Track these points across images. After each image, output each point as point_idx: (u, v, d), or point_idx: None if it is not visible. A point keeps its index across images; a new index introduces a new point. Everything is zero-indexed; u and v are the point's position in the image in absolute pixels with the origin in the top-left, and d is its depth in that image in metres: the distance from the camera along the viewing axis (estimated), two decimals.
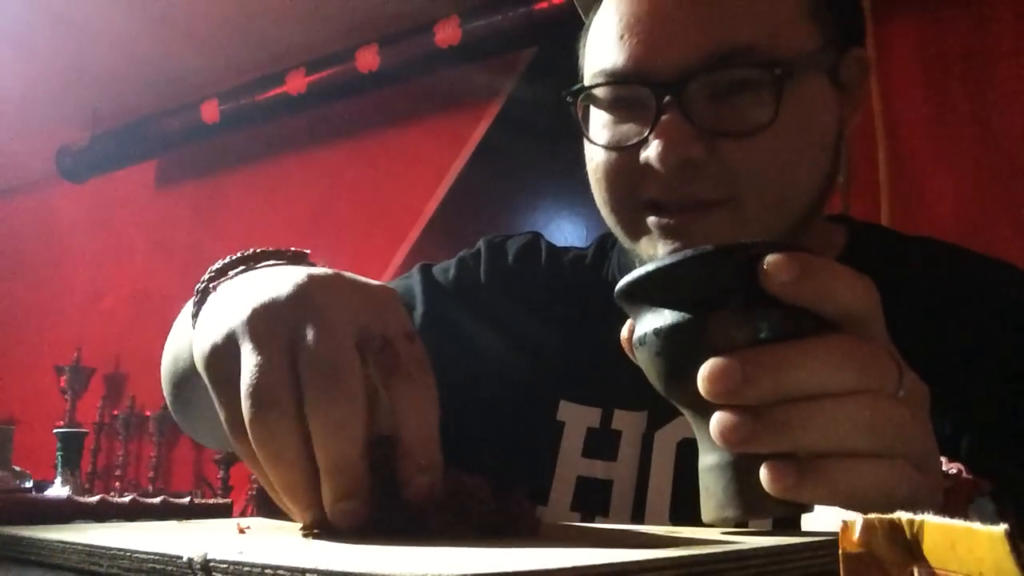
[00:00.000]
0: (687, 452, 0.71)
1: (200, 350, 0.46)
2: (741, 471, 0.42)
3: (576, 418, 0.76)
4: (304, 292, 0.45)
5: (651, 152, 0.65)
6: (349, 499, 0.41)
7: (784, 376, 0.39)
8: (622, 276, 0.81)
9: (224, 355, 0.44)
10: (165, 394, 0.69)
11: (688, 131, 0.64)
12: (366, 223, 2.94)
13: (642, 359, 0.44)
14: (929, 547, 0.25)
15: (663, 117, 0.65)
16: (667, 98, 0.65)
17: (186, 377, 0.62)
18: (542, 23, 2.37)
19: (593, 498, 0.73)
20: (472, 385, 0.79)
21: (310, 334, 0.42)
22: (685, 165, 0.65)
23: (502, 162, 2.87)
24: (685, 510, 0.69)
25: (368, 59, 2.67)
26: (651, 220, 0.68)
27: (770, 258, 0.40)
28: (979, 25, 1.94)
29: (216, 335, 0.45)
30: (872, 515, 0.27)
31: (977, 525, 0.24)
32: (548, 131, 2.59)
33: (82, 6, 2.65)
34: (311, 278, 0.46)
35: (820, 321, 0.41)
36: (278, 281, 0.46)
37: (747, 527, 0.47)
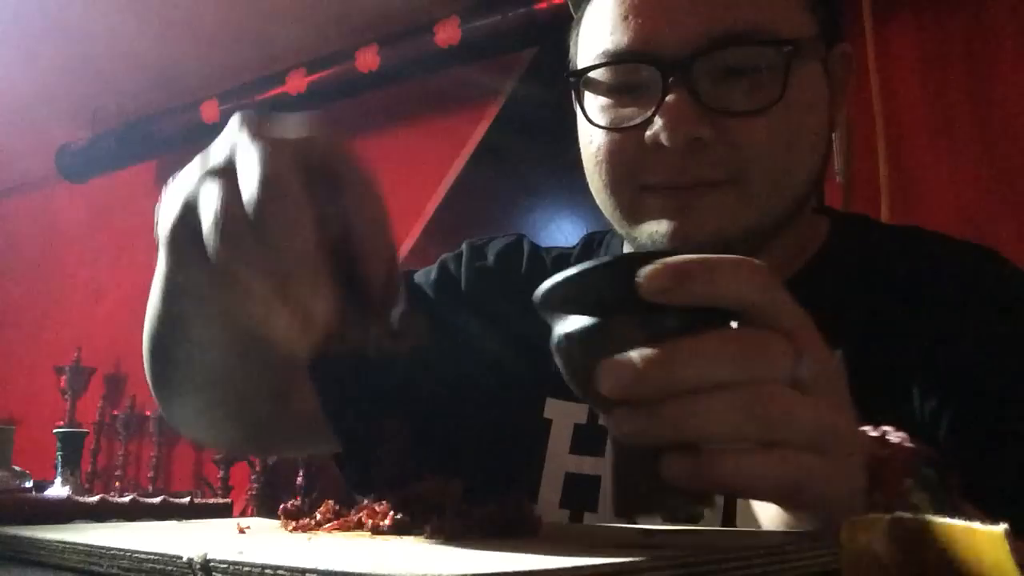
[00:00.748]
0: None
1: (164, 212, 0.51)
2: (644, 467, 0.43)
3: (563, 415, 0.77)
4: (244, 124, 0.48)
5: (657, 130, 0.65)
6: (316, 291, 0.43)
7: (674, 371, 0.40)
8: None
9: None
10: (148, 378, 0.67)
11: (696, 110, 0.65)
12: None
13: (558, 361, 0.45)
14: (929, 546, 0.25)
15: (669, 96, 0.65)
16: (672, 77, 0.65)
17: (161, 343, 0.62)
18: (542, 23, 2.37)
19: (582, 495, 0.74)
20: (455, 386, 0.79)
21: (251, 158, 0.45)
22: (692, 144, 0.65)
23: (502, 162, 2.87)
24: None
25: (368, 59, 2.67)
26: (654, 202, 0.68)
27: (642, 271, 0.41)
28: (979, 25, 1.94)
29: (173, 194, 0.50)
30: (872, 515, 0.27)
31: (977, 524, 0.24)
32: (548, 131, 2.59)
33: (82, 6, 2.65)
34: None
35: (724, 313, 0.42)
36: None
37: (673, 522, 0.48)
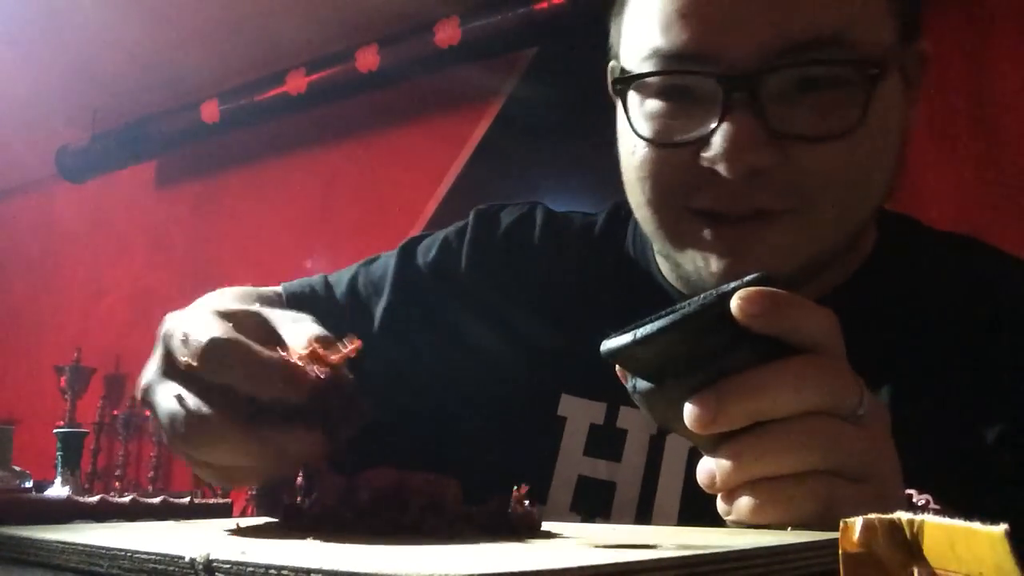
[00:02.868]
0: (700, 456, 0.68)
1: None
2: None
3: (579, 413, 0.71)
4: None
5: (716, 155, 0.57)
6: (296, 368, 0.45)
7: (754, 400, 0.42)
8: (636, 251, 0.77)
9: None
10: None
11: (760, 134, 0.56)
12: (366, 223, 2.94)
13: (638, 402, 0.47)
14: (929, 547, 0.25)
15: (732, 115, 0.56)
16: (737, 92, 0.56)
17: None
18: (542, 23, 2.37)
19: (594, 500, 0.69)
20: (456, 378, 0.74)
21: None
22: (754, 173, 0.57)
23: (502, 162, 2.87)
24: (694, 517, 0.65)
25: (368, 59, 2.67)
26: (705, 232, 0.61)
27: (740, 294, 0.42)
28: (979, 25, 1.94)
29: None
30: (872, 515, 0.27)
31: (977, 525, 0.24)
32: (548, 131, 2.60)
33: (82, 6, 2.65)
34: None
35: (788, 350, 0.44)
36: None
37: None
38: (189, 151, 3.33)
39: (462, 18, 2.49)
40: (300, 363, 0.46)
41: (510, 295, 0.75)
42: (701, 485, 0.46)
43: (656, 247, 0.68)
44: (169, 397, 0.47)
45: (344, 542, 0.40)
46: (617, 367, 0.48)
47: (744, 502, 0.44)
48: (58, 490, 1.29)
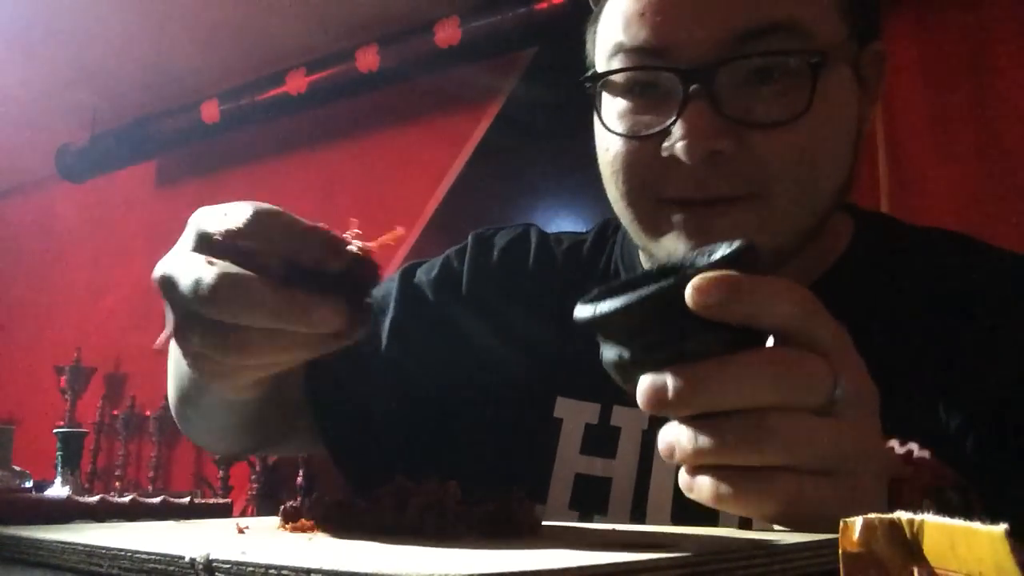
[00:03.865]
0: None
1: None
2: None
3: (574, 414, 0.75)
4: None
5: (676, 144, 0.61)
6: (310, 311, 0.44)
7: (709, 391, 0.41)
8: (625, 263, 0.80)
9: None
10: (172, 408, 0.75)
11: (716, 122, 0.61)
12: (366, 223, 2.93)
13: (604, 367, 0.47)
14: (929, 547, 0.25)
15: (689, 105, 0.61)
16: (693, 86, 0.61)
17: (186, 395, 0.69)
18: (542, 23, 2.37)
19: (591, 496, 0.72)
20: (459, 386, 0.78)
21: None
22: (712, 157, 0.61)
23: (502, 162, 2.87)
24: (688, 510, 0.69)
25: (368, 59, 2.67)
26: (675, 219, 0.65)
27: (694, 282, 0.41)
28: (979, 25, 1.94)
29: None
30: (872, 515, 0.27)
31: (977, 525, 0.24)
32: (548, 131, 2.60)
33: (82, 6, 2.65)
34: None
35: (760, 334, 0.43)
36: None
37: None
38: (189, 151, 3.33)
39: (462, 18, 2.49)
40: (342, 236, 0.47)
41: (508, 309, 0.80)
42: (661, 453, 0.45)
43: (636, 242, 0.72)
44: (199, 263, 0.46)
45: (344, 542, 0.40)
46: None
47: (706, 485, 0.44)
48: (58, 490, 1.29)
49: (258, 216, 0.46)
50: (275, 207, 0.47)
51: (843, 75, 0.64)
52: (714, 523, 0.63)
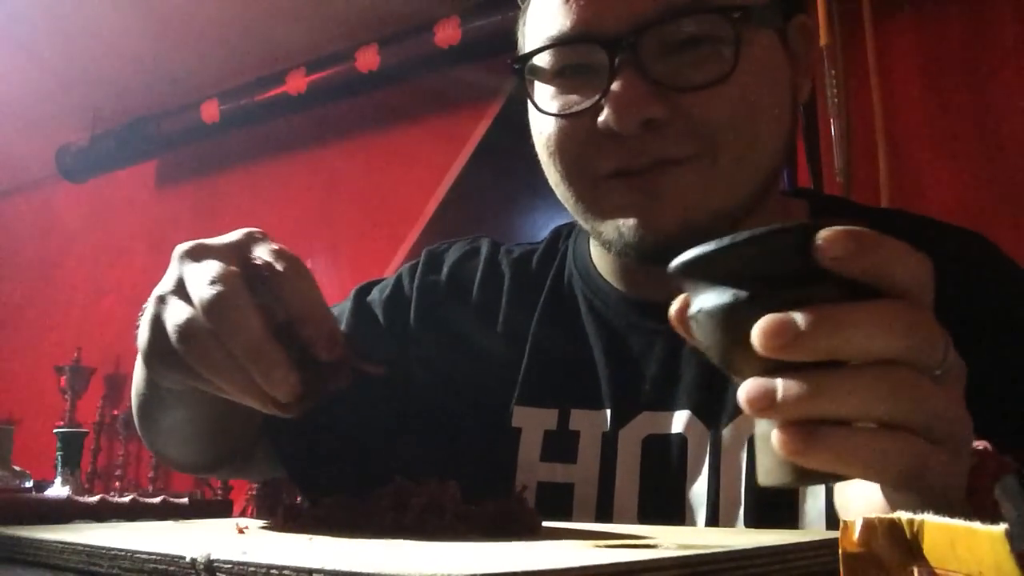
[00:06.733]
0: (654, 449, 0.69)
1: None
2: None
3: (532, 422, 0.74)
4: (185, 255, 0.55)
5: (608, 114, 0.62)
6: (276, 369, 0.48)
7: (838, 335, 0.37)
8: (578, 267, 0.80)
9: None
10: (136, 424, 0.74)
11: (646, 88, 0.61)
12: (366, 223, 2.94)
13: (698, 333, 0.43)
14: (929, 547, 0.25)
15: (618, 76, 0.61)
16: (619, 57, 0.61)
17: (149, 398, 0.70)
18: None
19: (555, 503, 0.70)
20: (415, 404, 0.77)
21: (195, 273, 0.51)
22: (647, 125, 0.62)
23: (502, 162, 2.86)
24: (652, 509, 0.67)
25: (368, 59, 2.67)
26: (617, 192, 0.65)
27: (824, 232, 0.38)
28: (979, 25, 1.94)
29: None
30: (872, 515, 0.27)
31: (977, 525, 0.24)
32: None
33: (82, 6, 2.65)
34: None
35: (875, 295, 0.40)
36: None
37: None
38: (189, 151, 3.33)
39: (462, 18, 2.48)
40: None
41: (458, 323, 0.80)
42: (745, 405, 0.39)
43: (583, 225, 0.72)
44: (183, 310, 0.50)
45: (344, 542, 0.40)
46: (684, 288, 0.44)
47: (821, 442, 0.38)
48: (58, 490, 1.29)
49: (299, 271, 0.52)
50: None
51: (768, 38, 0.66)
52: (680, 524, 0.63)
